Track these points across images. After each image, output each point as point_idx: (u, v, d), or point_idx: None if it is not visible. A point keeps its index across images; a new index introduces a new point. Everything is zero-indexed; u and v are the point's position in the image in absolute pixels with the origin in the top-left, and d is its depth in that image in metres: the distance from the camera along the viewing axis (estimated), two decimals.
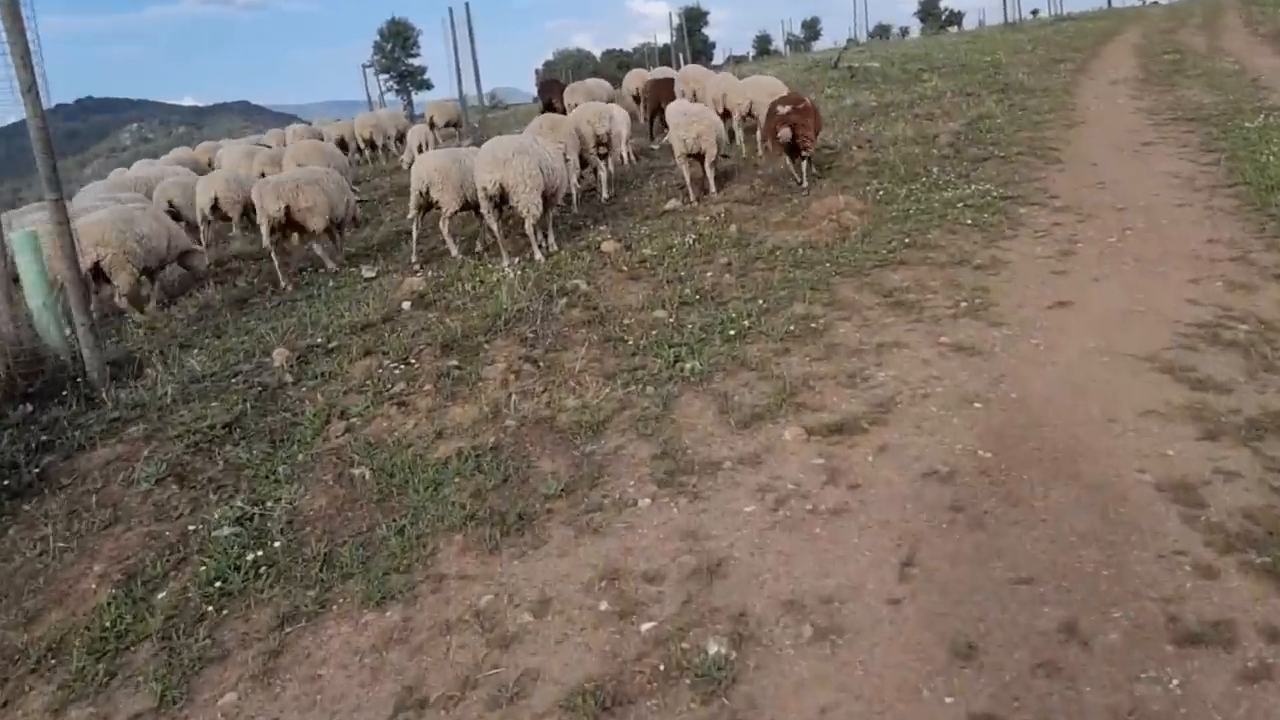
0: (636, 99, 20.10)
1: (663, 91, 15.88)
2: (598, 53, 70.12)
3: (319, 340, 6.42)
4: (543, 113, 20.36)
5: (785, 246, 7.53)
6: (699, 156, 9.92)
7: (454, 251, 8.79)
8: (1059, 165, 9.43)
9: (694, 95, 14.30)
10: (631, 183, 11.72)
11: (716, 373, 5.23)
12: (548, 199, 8.21)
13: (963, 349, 5.14)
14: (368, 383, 5.57)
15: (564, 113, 20.16)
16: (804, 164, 9.65)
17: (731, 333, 5.73)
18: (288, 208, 8.45)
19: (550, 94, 20.06)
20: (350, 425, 5.07)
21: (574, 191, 10.14)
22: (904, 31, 77.23)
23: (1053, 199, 8.10)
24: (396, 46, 53.42)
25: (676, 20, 37.36)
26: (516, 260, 8.09)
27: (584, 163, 10.77)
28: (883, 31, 77.86)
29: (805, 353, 5.36)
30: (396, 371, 5.69)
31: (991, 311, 5.64)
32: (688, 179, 10.06)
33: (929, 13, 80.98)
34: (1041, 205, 7.93)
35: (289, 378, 5.84)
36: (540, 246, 8.25)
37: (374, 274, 8.48)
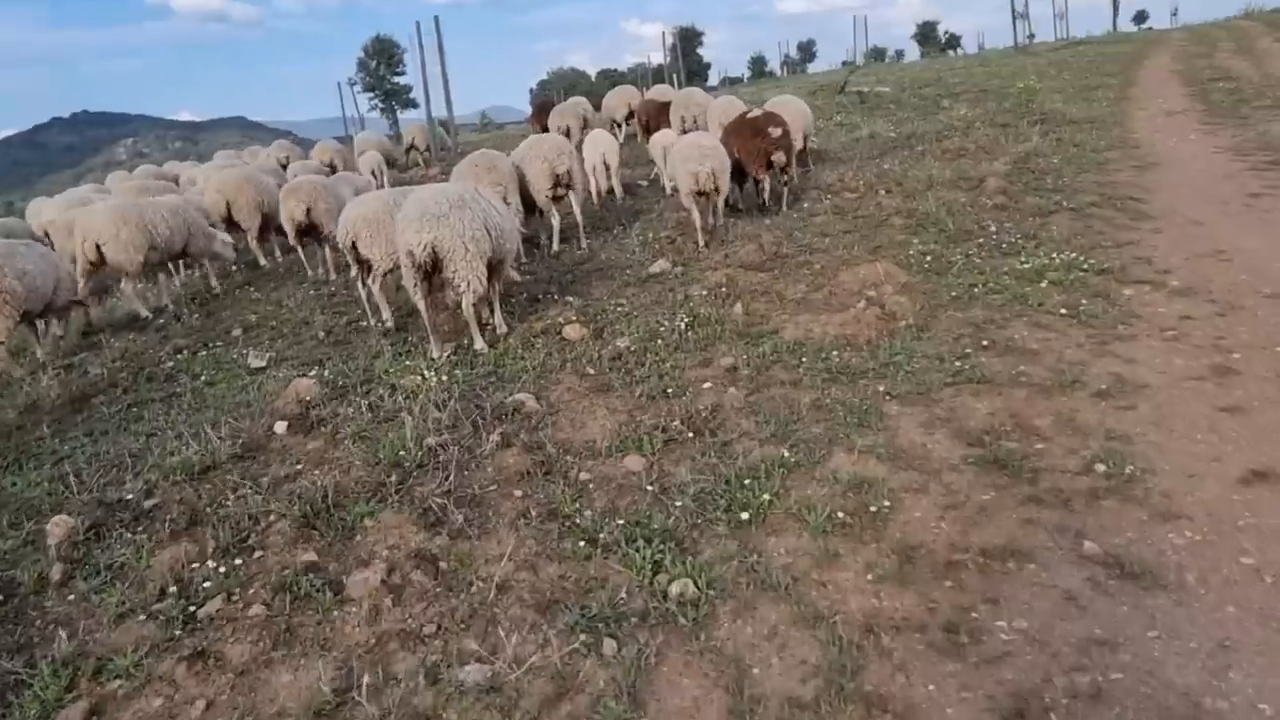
0: (617, 122, 18.28)
1: (665, 116, 14.01)
2: (593, 72, 68.59)
3: (131, 493, 4.34)
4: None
5: (811, 342, 5.51)
6: (708, 195, 8.29)
7: (384, 318, 6.84)
8: (1151, 223, 7.44)
9: (694, 122, 12.35)
10: (612, 229, 9.72)
11: (722, 602, 3.18)
12: (494, 268, 6.19)
13: (1124, 573, 3.10)
14: (166, 595, 3.50)
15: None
16: (784, 191, 9.19)
17: (743, 514, 3.68)
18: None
19: (541, 121, 18.15)
20: (99, 707, 3.00)
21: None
22: (899, 54, 76.04)
23: (1164, 275, 6.09)
24: (381, 64, 51.64)
25: (670, 40, 35.56)
26: (449, 349, 6.06)
27: (531, 207, 8.77)
28: (878, 54, 76.44)
29: (864, 561, 3.32)
30: (220, 572, 3.62)
31: (1149, 488, 3.60)
32: (697, 223, 8.34)
33: (926, 35, 79.86)
34: (1154, 285, 5.91)
35: (57, 572, 3.77)
36: (484, 330, 6.24)
37: (263, 363, 6.41)
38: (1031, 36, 34.36)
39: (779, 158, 8.94)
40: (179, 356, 6.93)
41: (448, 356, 5.94)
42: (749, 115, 9.76)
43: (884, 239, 7.63)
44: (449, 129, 23.00)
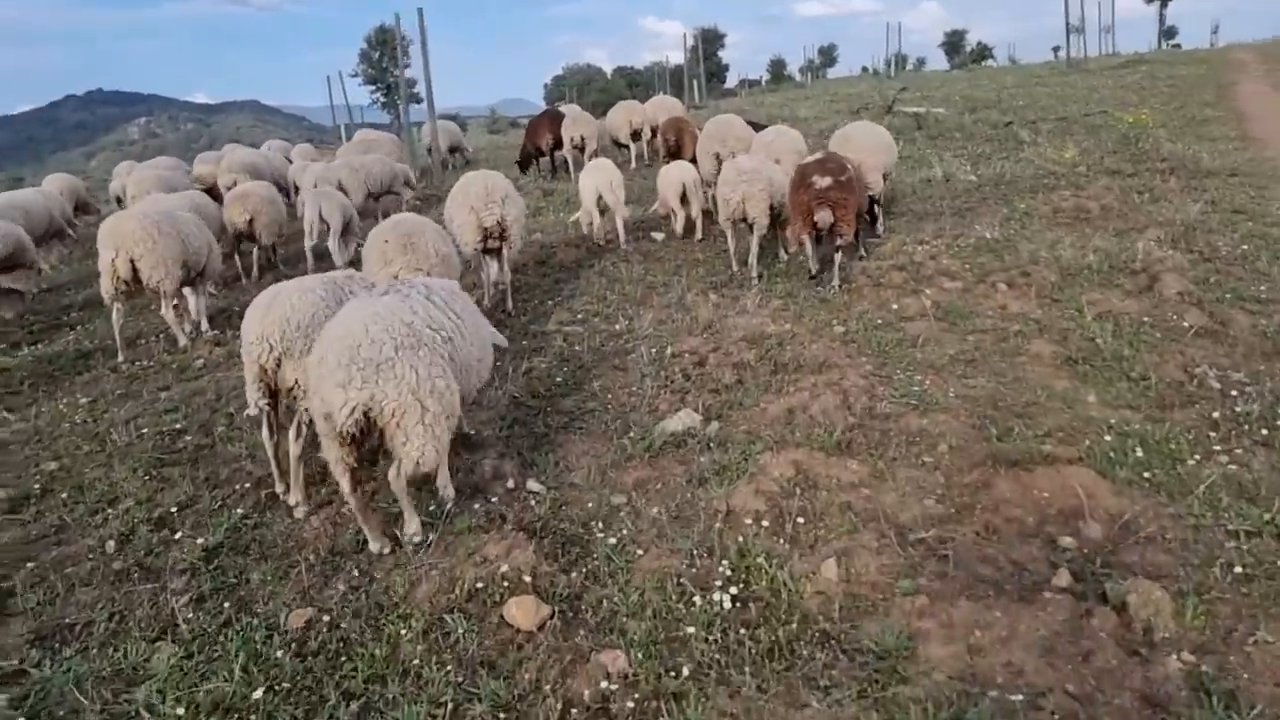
0: (618, 143, 15.46)
1: (687, 137, 11.26)
2: (609, 69, 65.85)
3: None
4: (525, 161, 15.24)
5: (992, 694, 2.71)
6: (748, 223, 7.38)
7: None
8: None
9: (731, 157, 9.56)
10: (612, 317, 6.95)
11: None
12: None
13: None
14: None
15: (551, 159, 15.34)
16: (838, 255, 7.01)
17: None
18: None
19: (540, 135, 15.15)
20: None
21: None
22: (921, 62, 72.62)
23: None
24: (385, 56, 48.83)
25: (691, 41, 32.74)
26: (387, 543, 3.35)
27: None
28: (900, 61, 73.03)
29: None
30: None
31: None
32: (731, 248, 7.75)
33: (955, 45, 76.65)
34: None
35: None
36: (425, 513, 3.58)
37: None
38: (1057, 49, 31.05)
39: (823, 217, 6.61)
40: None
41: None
42: (808, 159, 7.16)
43: (1036, 388, 4.82)
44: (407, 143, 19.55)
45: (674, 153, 11.41)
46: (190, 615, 3.49)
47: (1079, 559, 3.33)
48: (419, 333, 3.63)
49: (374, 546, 3.82)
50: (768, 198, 7.27)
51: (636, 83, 63.79)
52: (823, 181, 6.63)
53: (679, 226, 9.31)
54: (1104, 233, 7.70)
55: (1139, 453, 4.02)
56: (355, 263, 8.43)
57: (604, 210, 9.15)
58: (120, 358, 7.15)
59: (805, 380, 5.14)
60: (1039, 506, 3.66)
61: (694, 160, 10.11)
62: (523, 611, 3.20)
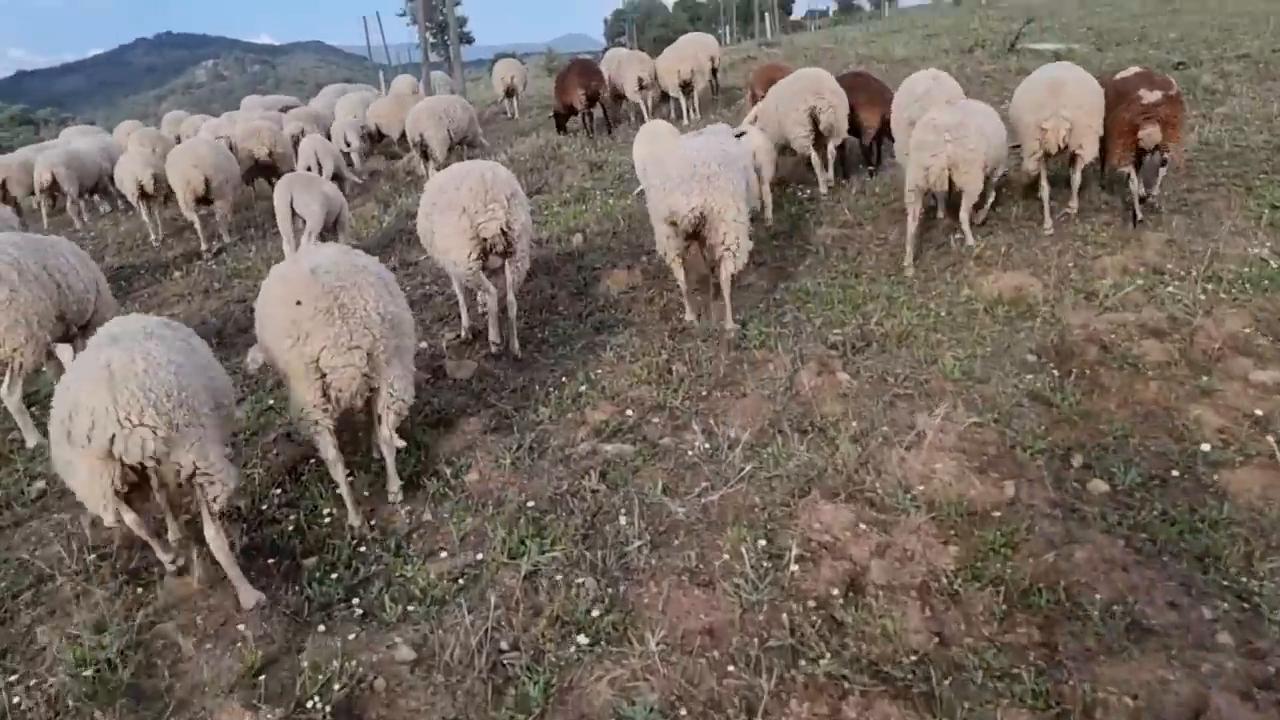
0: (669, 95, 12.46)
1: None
2: (669, 3, 61.66)
3: None
4: (561, 119, 12.34)
5: None
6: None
7: None
8: None
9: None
10: (683, 387, 4.23)
11: None
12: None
13: None
14: None
15: (588, 119, 12.34)
16: (1158, 174, 6.23)
17: None
18: None
19: (569, 91, 12.12)
20: None
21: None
22: None
23: None
24: None
25: None
26: None
27: None
28: None
29: None
30: None
31: None
32: (910, 234, 5.94)
33: None
34: None
35: None
36: None
37: None
38: None
39: (1150, 134, 5.80)
40: None
41: None
42: (1124, 73, 6.23)
43: None
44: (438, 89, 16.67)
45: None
46: None
47: None
48: None
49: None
50: (982, 159, 5.72)
51: (699, 15, 59.32)
52: (1151, 96, 5.85)
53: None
54: None
55: None
56: None
57: None
58: None
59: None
60: None
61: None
62: None
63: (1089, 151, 6.03)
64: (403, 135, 11.55)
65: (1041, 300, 5.18)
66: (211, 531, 3.13)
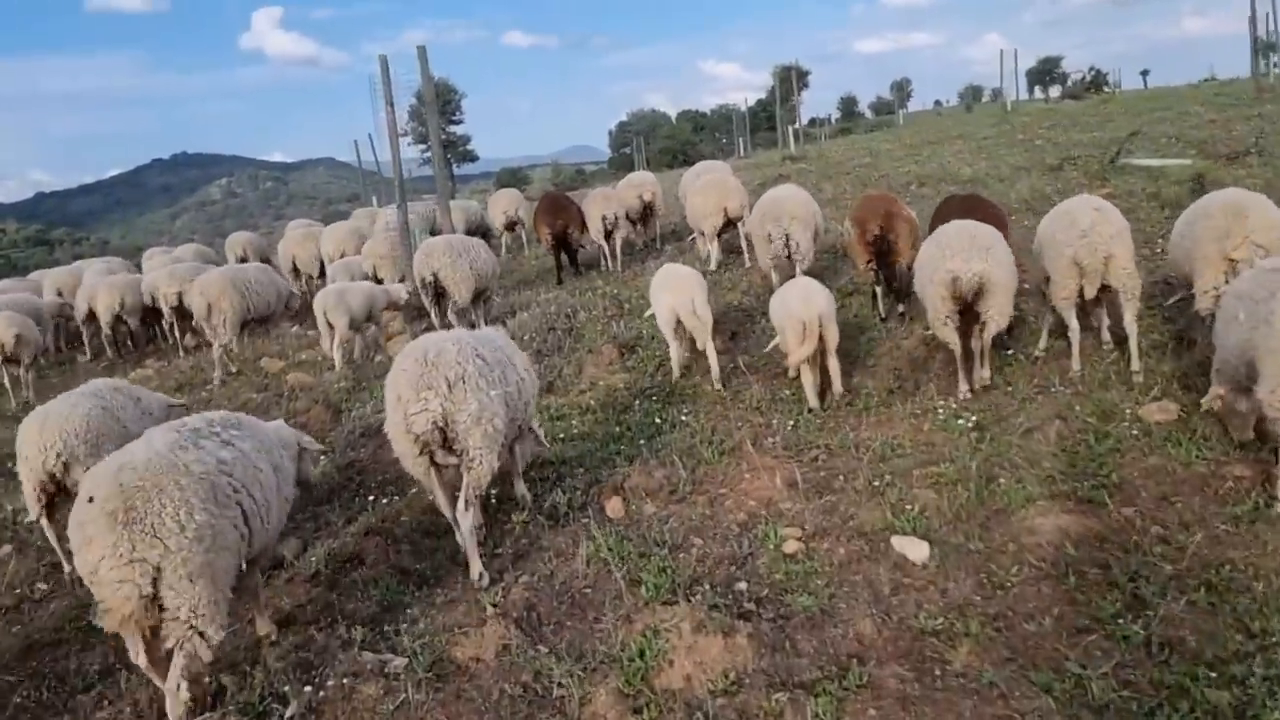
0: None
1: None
2: (673, 113, 63.00)
3: None
4: (553, 244, 11.16)
5: None
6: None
7: None
8: None
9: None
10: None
11: None
12: None
13: None
14: None
15: (571, 253, 11.57)
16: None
17: None
18: None
19: (538, 231, 11.66)
20: None
21: None
22: (995, 94, 66.20)
23: None
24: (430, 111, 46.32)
25: (773, 82, 29.20)
26: None
27: None
28: (975, 94, 67.33)
29: None
30: None
31: None
32: (1074, 352, 5.70)
33: (1046, 73, 71.27)
34: None
35: None
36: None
37: None
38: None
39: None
40: None
41: None
42: None
43: None
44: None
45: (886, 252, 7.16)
46: None
47: None
48: None
49: None
50: (997, 284, 5.37)
51: (703, 125, 60.16)
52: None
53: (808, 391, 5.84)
54: None
55: None
56: None
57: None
58: None
59: None
60: None
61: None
62: None
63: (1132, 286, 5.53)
64: None
65: None
66: None
